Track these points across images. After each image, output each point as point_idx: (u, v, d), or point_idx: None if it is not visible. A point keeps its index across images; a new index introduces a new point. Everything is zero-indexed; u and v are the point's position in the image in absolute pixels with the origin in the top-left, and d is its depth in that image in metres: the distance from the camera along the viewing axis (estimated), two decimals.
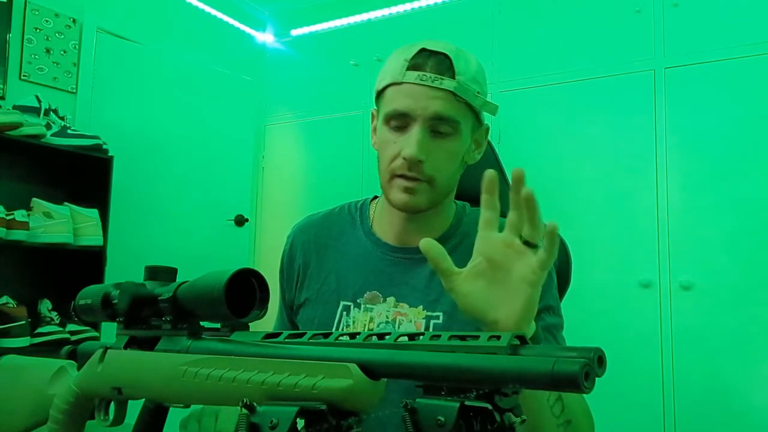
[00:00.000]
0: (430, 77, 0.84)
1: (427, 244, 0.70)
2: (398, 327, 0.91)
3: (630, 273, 2.49)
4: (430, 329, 0.89)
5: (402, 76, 0.86)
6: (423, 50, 0.87)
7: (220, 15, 3.49)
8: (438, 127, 0.86)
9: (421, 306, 0.91)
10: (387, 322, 0.91)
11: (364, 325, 0.92)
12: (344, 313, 0.94)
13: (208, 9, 3.42)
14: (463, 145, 0.91)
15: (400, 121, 0.87)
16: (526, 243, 0.67)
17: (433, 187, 0.88)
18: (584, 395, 0.85)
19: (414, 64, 0.86)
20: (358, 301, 0.94)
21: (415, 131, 0.85)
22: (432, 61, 0.86)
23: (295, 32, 3.67)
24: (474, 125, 0.92)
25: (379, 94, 0.92)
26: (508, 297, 0.67)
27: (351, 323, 0.93)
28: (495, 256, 0.69)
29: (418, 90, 0.85)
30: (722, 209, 2.37)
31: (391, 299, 0.93)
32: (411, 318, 0.91)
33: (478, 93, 0.87)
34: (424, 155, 0.85)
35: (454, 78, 0.85)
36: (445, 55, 0.86)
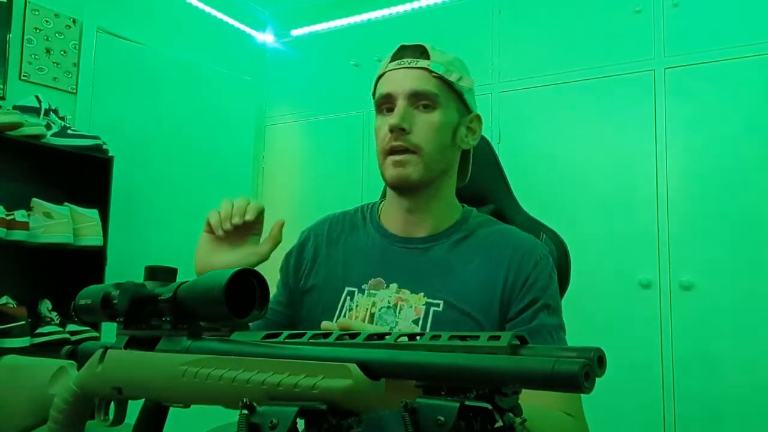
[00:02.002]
0: (407, 61, 0.95)
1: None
2: (399, 312, 0.93)
3: (630, 273, 2.49)
4: (430, 316, 0.92)
5: (385, 68, 0.97)
6: (402, 46, 0.98)
7: (220, 15, 3.49)
8: (418, 101, 0.94)
9: (423, 293, 0.94)
10: (389, 307, 0.94)
11: (366, 309, 0.95)
12: (348, 297, 0.98)
13: (208, 9, 3.41)
14: (448, 119, 0.96)
15: (386, 104, 0.96)
16: None
17: (421, 157, 0.93)
18: (583, 419, 0.86)
19: (394, 57, 0.97)
20: (362, 287, 0.98)
21: (398, 105, 0.94)
22: (408, 51, 0.97)
23: (295, 32, 3.67)
24: (459, 107, 0.98)
25: (374, 95, 1.01)
26: None
27: (354, 307, 0.96)
28: None
29: (397, 73, 0.95)
30: (722, 209, 2.37)
31: (393, 285, 0.96)
32: (412, 304, 0.93)
33: (451, 72, 0.96)
34: (407, 124, 0.92)
35: (428, 59, 0.95)
36: (420, 45, 0.97)
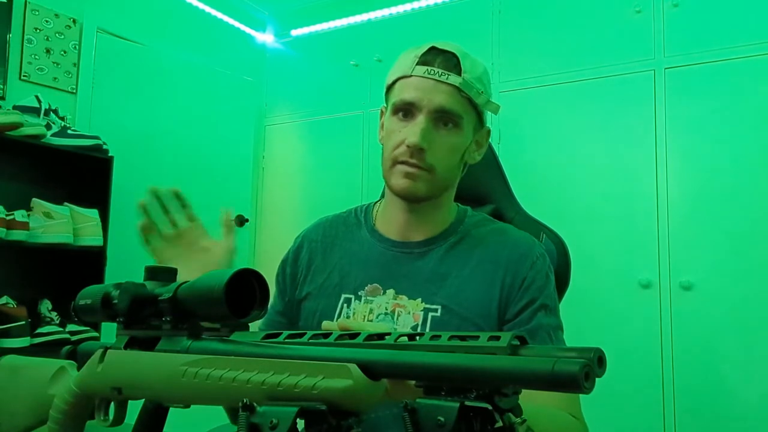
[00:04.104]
0: (438, 72, 0.89)
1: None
2: (397, 318, 0.93)
3: (630, 273, 2.49)
4: (428, 321, 0.91)
5: (411, 69, 0.91)
6: (433, 48, 0.92)
7: (220, 15, 3.49)
8: (442, 119, 0.90)
9: (420, 298, 0.93)
10: (386, 314, 0.93)
11: (364, 316, 0.95)
12: (345, 305, 0.97)
13: (208, 9, 3.41)
14: (465, 140, 0.94)
15: (406, 111, 0.91)
16: None
17: (433, 176, 0.91)
18: (583, 420, 0.86)
19: (423, 60, 0.91)
20: (359, 293, 0.97)
21: (420, 120, 0.89)
22: (440, 58, 0.91)
23: (295, 32, 3.67)
24: (476, 125, 0.96)
25: (389, 88, 0.96)
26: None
27: (351, 315, 0.96)
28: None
29: (426, 83, 0.89)
30: (722, 209, 2.37)
31: (390, 291, 0.95)
32: (410, 310, 0.93)
33: (481, 92, 0.91)
34: (426, 143, 0.89)
35: (460, 75, 0.89)
36: (453, 54, 0.91)
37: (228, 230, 0.94)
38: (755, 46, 2.38)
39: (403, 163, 0.90)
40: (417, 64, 0.91)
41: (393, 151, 0.92)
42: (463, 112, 0.91)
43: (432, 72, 0.89)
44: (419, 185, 0.91)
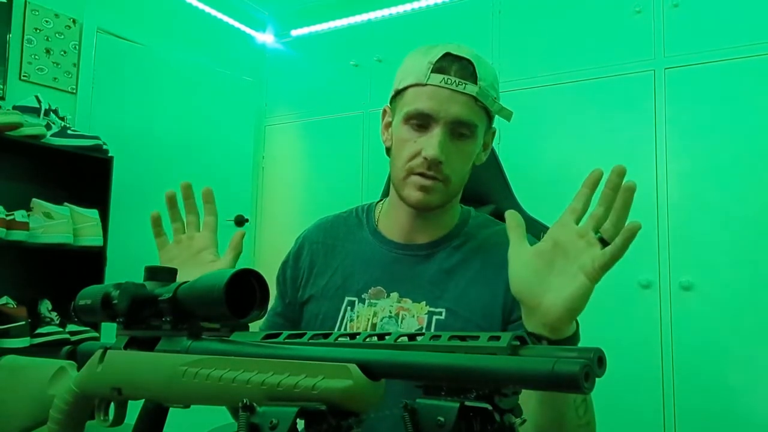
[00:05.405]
0: (455, 81, 0.87)
1: (513, 213, 0.75)
2: (401, 322, 0.92)
3: (630, 273, 2.48)
4: (433, 325, 0.91)
5: (426, 77, 0.88)
6: (447, 54, 0.88)
7: (220, 15, 3.49)
8: (458, 129, 0.88)
9: (425, 302, 0.93)
10: (390, 317, 0.93)
11: (368, 319, 0.94)
12: (348, 308, 0.96)
13: (208, 9, 3.41)
14: (477, 147, 0.93)
15: (421, 121, 0.89)
16: (601, 240, 0.71)
17: (447, 186, 0.90)
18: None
19: (439, 67, 0.88)
20: (362, 296, 0.96)
21: (437, 132, 0.87)
22: (456, 66, 0.88)
23: (295, 32, 3.67)
24: (486, 129, 0.95)
25: (399, 92, 0.93)
26: (559, 284, 0.69)
27: (355, 318, 0.95)
28: (563, 242, 0.71)
29: (442, 93, 0.87)
30: (722, 209, 2.36)
31: (394, 294, 0.94)
32: (414, 313, 0.92)
33: (495, 99, 0.90)
34: (444, 156, 0.87)
35: (476, 83, 0.87)
36: (469, 61, 0.88)
37: (232, 250, 0.86)
38: (755, 46, 2.38)
39: (419, 174, 0.89)
40: (432, 71, 0.87)
41: (408, 162, 0.90)
42: (479, 121, 0.90)
43: (449, 81, 0.86)
44: (434, 197, 0.90)
